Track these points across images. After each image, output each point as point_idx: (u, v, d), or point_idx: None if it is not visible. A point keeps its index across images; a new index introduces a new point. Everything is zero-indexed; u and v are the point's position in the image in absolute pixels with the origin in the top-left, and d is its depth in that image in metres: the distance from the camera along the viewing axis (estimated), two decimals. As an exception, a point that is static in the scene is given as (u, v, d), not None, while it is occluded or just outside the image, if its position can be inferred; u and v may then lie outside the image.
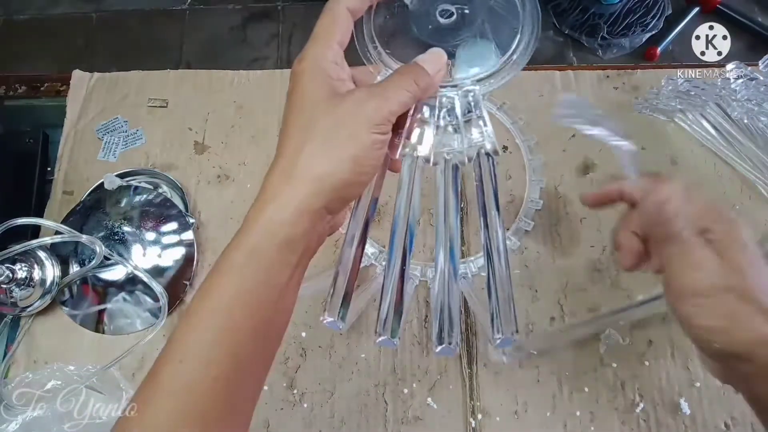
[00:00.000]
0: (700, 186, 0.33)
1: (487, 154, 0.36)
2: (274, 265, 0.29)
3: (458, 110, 0.36)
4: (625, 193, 0.37)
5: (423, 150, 0.36)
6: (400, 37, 0.36)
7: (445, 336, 0.34)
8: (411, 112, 0.34)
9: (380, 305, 0.34)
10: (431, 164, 0.36)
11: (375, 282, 0.53)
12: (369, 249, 0.54)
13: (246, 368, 0.29)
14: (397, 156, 0.35)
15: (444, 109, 0.36)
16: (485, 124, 0.35)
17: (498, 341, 0.33)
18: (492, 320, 0.34)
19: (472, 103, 0.35)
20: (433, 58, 0.33)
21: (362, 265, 0.53)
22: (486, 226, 0.36)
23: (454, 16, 0.36)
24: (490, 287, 0.34)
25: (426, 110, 0.36)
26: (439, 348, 0.34)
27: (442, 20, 0.36)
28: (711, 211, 0.31)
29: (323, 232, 0.31)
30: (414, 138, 0.36)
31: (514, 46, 0.35)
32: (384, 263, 0.40)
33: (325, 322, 0.34)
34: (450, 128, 0.37)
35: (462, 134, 0.36)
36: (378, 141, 0.30)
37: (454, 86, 0.35)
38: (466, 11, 0.37)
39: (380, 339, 0.34)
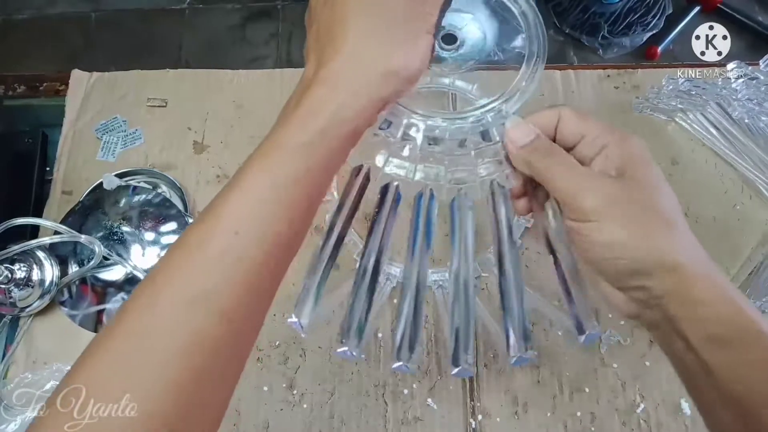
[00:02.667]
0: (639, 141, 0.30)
1: (502, 187, 0.35)
2: (337, 152, 0.28)
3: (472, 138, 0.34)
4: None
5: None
6: None
7: (461, 357, 0.34)
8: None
9: (395, 333, 0.35)
10: (444, 198, 0.35)
11: (382, 294, 0.52)
12: (395, 269, 0.53)
13: (292, 249, 0.28)
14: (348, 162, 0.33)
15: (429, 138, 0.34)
16: (500, 158, 0.34)
17: (514, 360, 0.33)
18: (507, 339, 0.34)
19: (484, 133, 0.34)
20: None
21: (389, 286, 0.52)
22: (499, 257, 0.35)
23: (457, 43, 0.35)
24: (505, 309, 0.34)
25: (416, 131, 0.34)
26: (456, 370, 0.34)
27: (445, 47, 0.35)
28: (606, 128, 0.30)
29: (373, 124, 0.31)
30: (405, 152, 0.34)
31: (520, 74, 0.34)
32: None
33: (338, 351, 0.34)
34: (441, 159, 0.35)
35: (475, 165, 0.35)
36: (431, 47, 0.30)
37: (445, 117, 0.34)
38: (470, 41, 0.35)
39: (396, 365, 0.34)
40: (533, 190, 0.34)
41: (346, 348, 0.33)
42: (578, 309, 0.34)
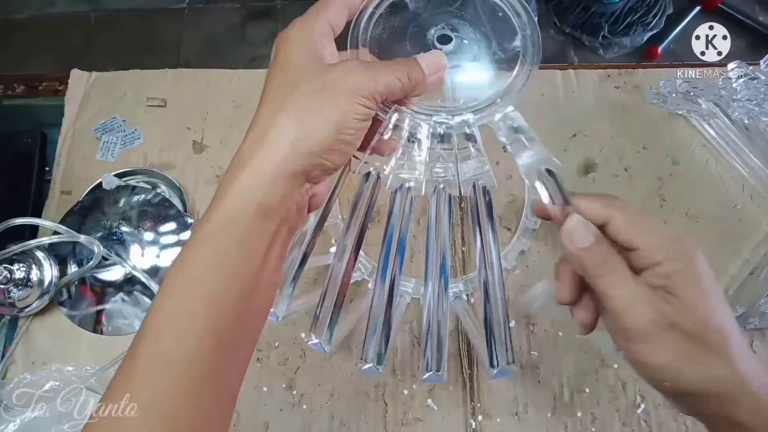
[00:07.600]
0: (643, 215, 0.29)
1: (484, 188, 0.35)
2: (251, 234, 0.27)
3: (455, 139, 0.34)
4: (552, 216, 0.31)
5: (410, 174, 0.34)
6: (394, 51, 0.35)
7: (433, 364, 0.34)
8: (381, 128, 0.33)
9: (366, 331, 0.34)
10: (422, 194, 0.35)
11: (365, 300, 0.51)
12: (362, 263, 0.53)
13: (228, 343, 0.27)
14: (355, 171, 0.34)
15: (436, 136, 0.34)
16: (482, 157, 0.34)
17: (495, 372, 0.34)
18: (489, 351, 0.34)
19: (469, 134, 0.34)
20: (432, 59, 0.32)
21: (354, 280, 0.52)
22: (484, 261, 0.35)
23: (452, 43, 0.35)
24: (487, 320, 0.34)
25: (422, 131, 0.34)
26: (427, 375, 0.34)
27: (438, 45, 0.35)
28: (660, 243, 0.28)
29: (302, 202, 0.30)
30: (401, 160, 0.34)
31: (513, 76, 0.34)
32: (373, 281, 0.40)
33: (310, 343, 0.33)
34: (439, 156, 0.35)
35: (456, 166, 0.35)
36: (361, 112, 0.29)
37: (449, 112, 0.34)
38: (465, 42, 0.35)
39: (366, 366, 0.34)
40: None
41: (318, 340, 0.33)
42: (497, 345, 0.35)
